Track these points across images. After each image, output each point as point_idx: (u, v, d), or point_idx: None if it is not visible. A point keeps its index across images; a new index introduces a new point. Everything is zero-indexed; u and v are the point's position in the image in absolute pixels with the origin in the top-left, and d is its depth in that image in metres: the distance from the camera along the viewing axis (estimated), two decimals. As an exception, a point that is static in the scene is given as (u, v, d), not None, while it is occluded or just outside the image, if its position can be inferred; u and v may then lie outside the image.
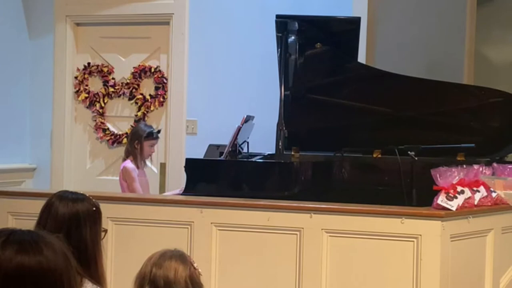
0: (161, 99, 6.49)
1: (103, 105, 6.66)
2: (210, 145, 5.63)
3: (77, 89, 6.73)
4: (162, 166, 6.37)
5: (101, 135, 6.66)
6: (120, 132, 6.62)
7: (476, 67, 5.98)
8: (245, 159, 5.09)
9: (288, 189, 4.70)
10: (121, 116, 6.66)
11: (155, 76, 6.52)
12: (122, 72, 6.64)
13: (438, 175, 4.12)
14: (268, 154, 5.27)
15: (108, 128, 6.65)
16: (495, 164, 4.43)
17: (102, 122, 6.66)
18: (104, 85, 6.67)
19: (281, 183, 4.76)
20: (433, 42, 5.88)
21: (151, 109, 6.51)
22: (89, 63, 6.71)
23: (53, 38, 6.73)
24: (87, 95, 6.70)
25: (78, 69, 6.73)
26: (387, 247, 4.09)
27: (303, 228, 4.19)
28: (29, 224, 2.26)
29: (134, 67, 6.58)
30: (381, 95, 5.22)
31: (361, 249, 4.13)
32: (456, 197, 4.10)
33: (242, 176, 4.83)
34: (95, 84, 6.72)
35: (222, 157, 5.04)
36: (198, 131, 6.37)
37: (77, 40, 6.77)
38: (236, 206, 4.36)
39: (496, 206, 4.28)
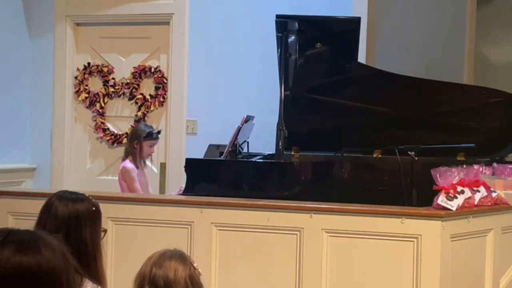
0: (161, 99, 6.48)
1: (103, 105, 6.65)
2: (210, 145, 5.63)
3: (77, 89, 6.72)
4: (162, 166, 6.36)
5: (101, 135, 6.65)
6: (120, 132, 6.61)
7: (476, 67, 5.97)
8: (245, 159, 5.09)
9: (288, 189, 4.70)
10: (121, 116, 6.65)
11: (155, 76, 6.51)
12: (122, 72, 6.64)
13: (438, 175, 4.11)
14: (268, 154, 5.26)
15: (108, 128, 6.65)
16: (495, 164, 4.43)
17: (102, 122, 6.65)
18: (104, 85, 6.67)
19: (281, 183, 4.76)
20: (433, 42, 5.88)
21: (151, 109, 6.51)
22: (89, 63, 6.70)
23: (53, 38, 6.72)
24: (87, 95, 6.69)
25: (78, 69, 6.72)
26: (387, 247, 4.09)
27: (303, 228, 4.19)
28: (29, 224, 2.27)
29: (134, 67, 6.58)
30: (381, 95, 5.21)
31: (361, 249, 4.13)
32: (456, 197, 4.10)
33: (242, 176, 4.83)
34: (95, 84, 6.72)
35: (222, 157, 5.04)
36: (198, 131, 6.37)
37: (77, 40, 6.77)
38: (236, 206, 4.36)
39: (496, 206, 4.28)
